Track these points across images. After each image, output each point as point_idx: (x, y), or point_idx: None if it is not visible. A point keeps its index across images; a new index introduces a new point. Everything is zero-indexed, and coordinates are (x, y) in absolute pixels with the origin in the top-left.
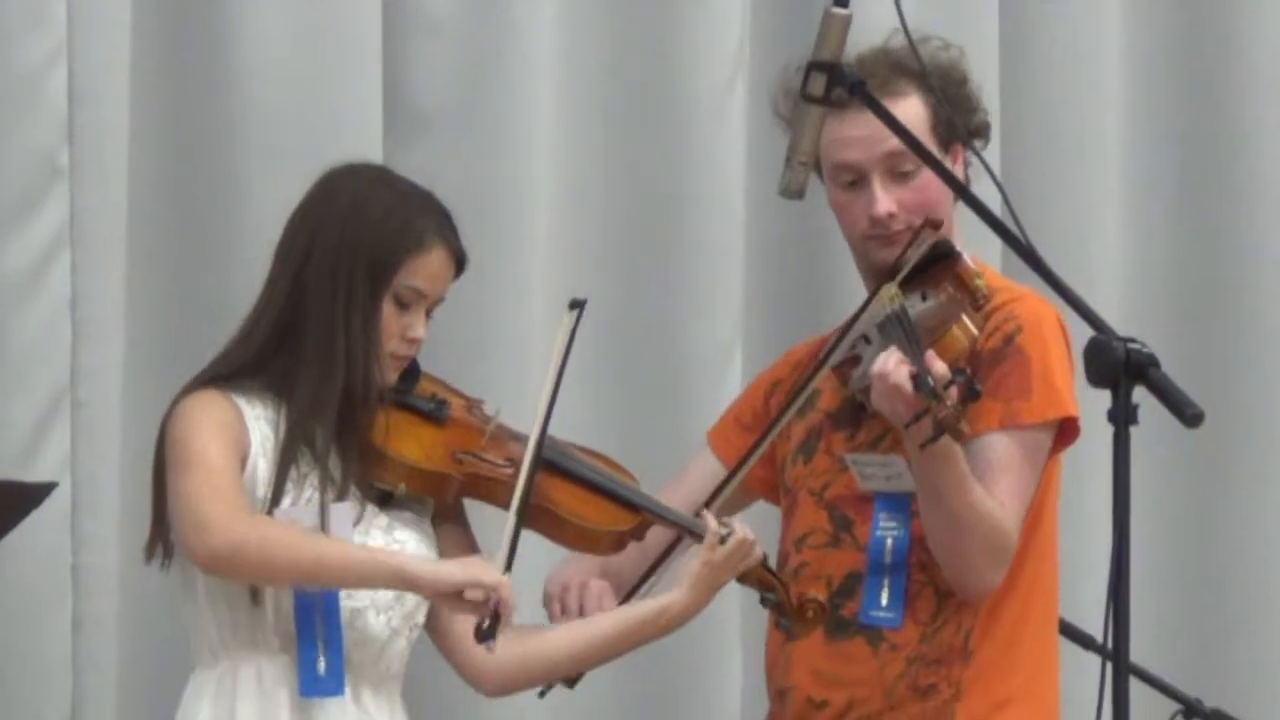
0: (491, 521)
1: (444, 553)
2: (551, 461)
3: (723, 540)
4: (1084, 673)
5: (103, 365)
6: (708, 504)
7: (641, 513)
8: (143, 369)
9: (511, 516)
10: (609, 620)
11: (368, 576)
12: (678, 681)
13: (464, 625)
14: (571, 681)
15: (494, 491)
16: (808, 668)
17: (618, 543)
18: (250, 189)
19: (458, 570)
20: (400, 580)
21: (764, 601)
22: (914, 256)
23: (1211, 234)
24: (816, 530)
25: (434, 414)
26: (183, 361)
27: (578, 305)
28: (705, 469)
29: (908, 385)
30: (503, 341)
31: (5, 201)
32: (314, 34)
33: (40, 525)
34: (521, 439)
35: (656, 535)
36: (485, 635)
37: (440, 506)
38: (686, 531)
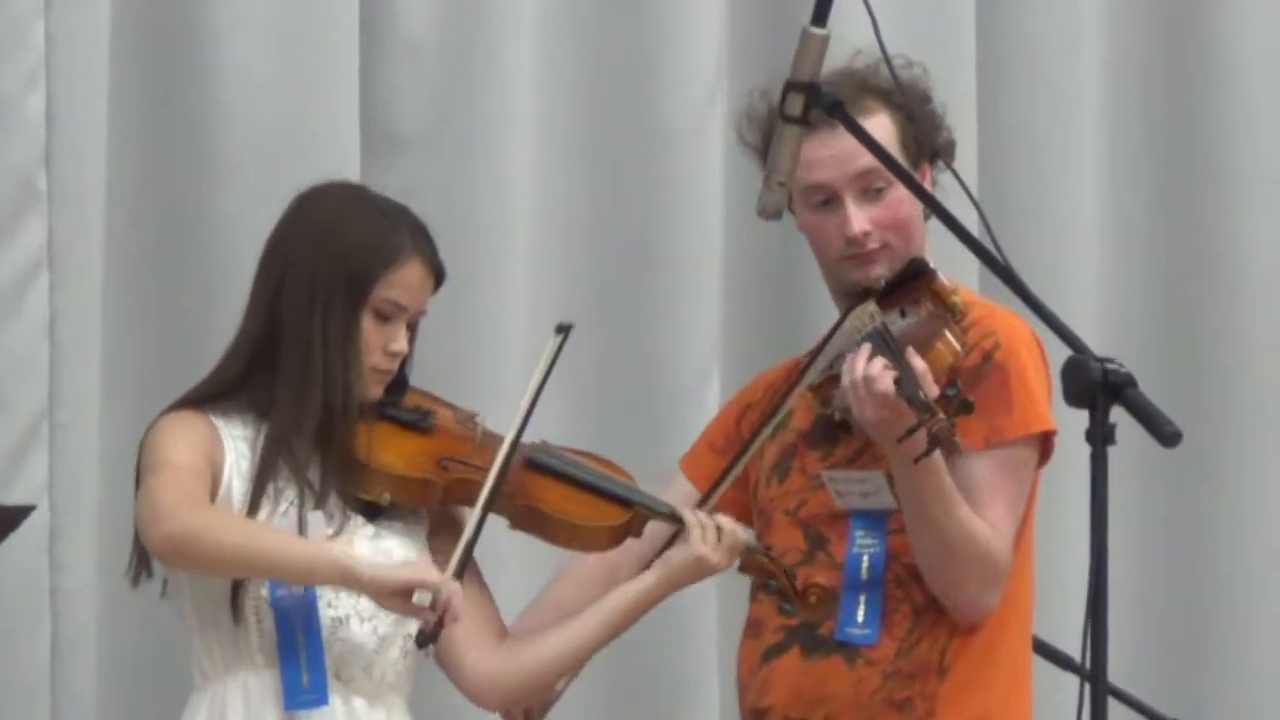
0: (490, 534)
1: (439, 564)
2: (536, 461)
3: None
4: (1063, 693)
5: (81, 388)
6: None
7: (634, 507)
8: (121, 392)
9: (469, 526)
10: (594, 615)
11: (310, 570)
12: (654, 702)
13: (460, 638)
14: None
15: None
16: (786, 687)
17: (612, 538)
18: (228, 211)
19: (402, 570)
20: (342, 575)
21: (765, 588)
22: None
23: (1190, 253)
24: (791, 549)
25: (418, 423)
26: (161, 384)
27: (563, 330)
28: (677, 493)
29: (891, 389)
30: (481, 363)
31: None
32: (292, 57)
33: (19, 548)
34: None
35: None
36: (425, 639)
37: (434, 517)
38: (680, 522)
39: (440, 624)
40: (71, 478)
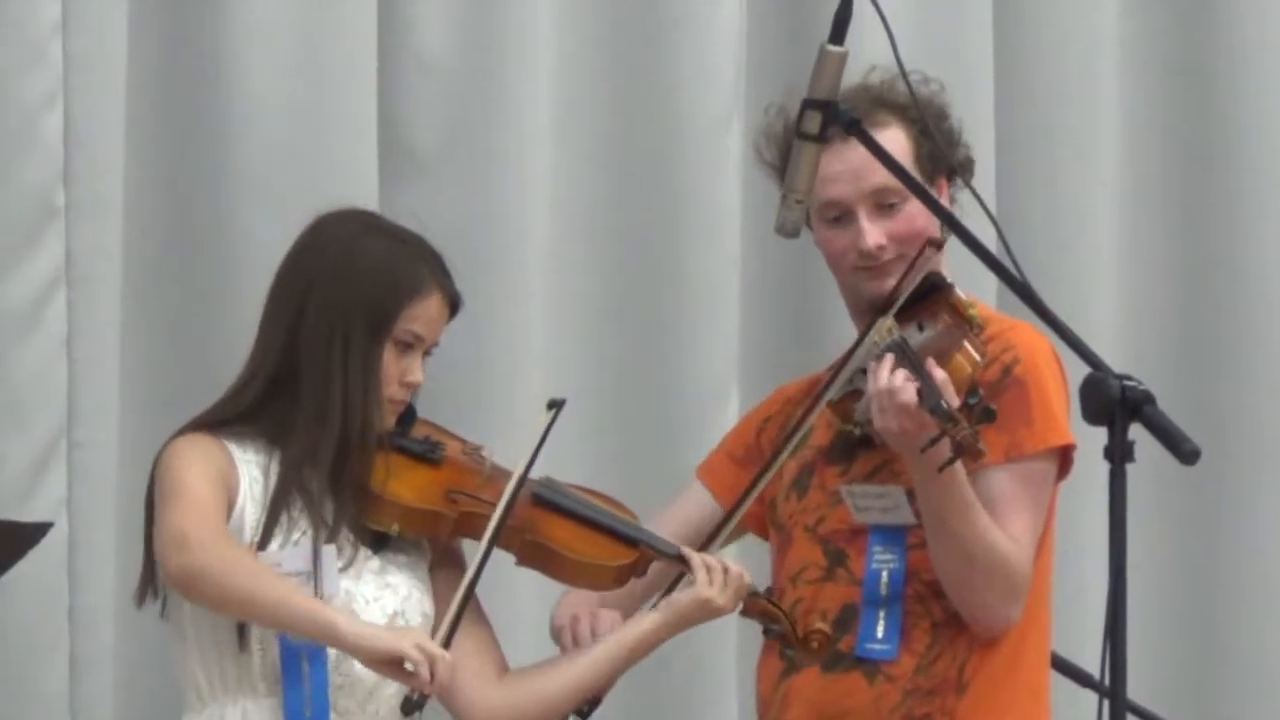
0: (502, 562)
1: (439, 598)
2: (544, 498)
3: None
4: (1081, 709)
5: (100, 405)
6: (705, 545)
7: (640, 547)
8: (139, 408)
9: (473, 564)
10: (597, 653)
11: (303, 627)
12: (673, 719)
13: (461, 673)
14: (584, 714)
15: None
16: (805, 703)
17: (618, 578)
18: (245, 228)
19: (390, 638)
20: (330, 638)
21: (768, 633)
22: (909, 285)
23: (1209, 269)
24: (810, 565)
25: (428, 455)
26: (179, 400)
27: (555, 405)
28: (695, 500)
29: (913, 399)
30: (498, 383)
31: (1, 241)
32: (309, 75)
33: (37, 565)
34: None
35: (656, 572)
36: (410, 707)
37: (438, 551)
38: (685, 563)
39: (426, 694)
40: (90, 494)
